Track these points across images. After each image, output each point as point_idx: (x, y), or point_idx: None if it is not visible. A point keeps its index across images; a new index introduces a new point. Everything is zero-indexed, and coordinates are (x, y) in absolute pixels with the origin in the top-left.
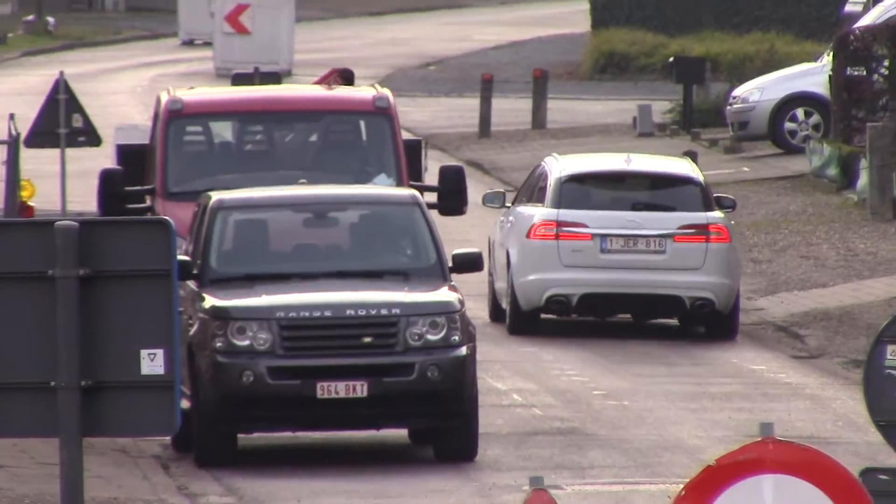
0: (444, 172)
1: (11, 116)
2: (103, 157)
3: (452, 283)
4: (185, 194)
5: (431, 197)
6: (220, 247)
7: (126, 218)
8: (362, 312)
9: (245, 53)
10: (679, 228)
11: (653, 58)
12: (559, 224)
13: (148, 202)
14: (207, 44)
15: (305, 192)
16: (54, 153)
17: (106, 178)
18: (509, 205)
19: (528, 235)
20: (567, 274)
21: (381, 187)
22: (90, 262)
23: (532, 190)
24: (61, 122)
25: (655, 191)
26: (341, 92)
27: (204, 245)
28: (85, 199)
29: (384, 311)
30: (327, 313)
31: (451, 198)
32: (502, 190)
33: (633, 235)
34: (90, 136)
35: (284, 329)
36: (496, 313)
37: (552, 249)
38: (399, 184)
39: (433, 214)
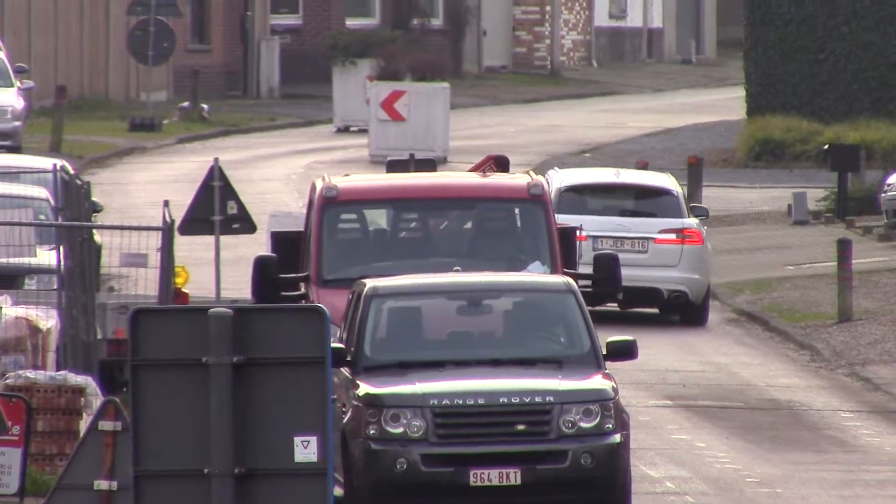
0: (598, 259)
1: (166, 203)
2: (258, 245)
3: (606, 370)
4: (339, 281)
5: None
6: (373, 334)
7: (280, 305)
8: (515, 400)
9: (400, 140)
10: (659, 232)
11: (808, 145)
12: None
13: (302, 289)
14: (363, 131)
15: (459, 280)
16: (208, 240)
17: (260, 265)
18: None
19: None
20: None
21: (535, 274)
22: (244, 349)
23: None
24: (216, 209)
25: (639, 200)
26: (496, 179)
27: (358, 332)
28: (239, 287)
29: (538, 399)
30: (481, 401)
31: (605, 284)
32: None
33: (621, 237)
34: (244, 223)
35: (438, 416)
36: None
37: None
38: (553, 271)
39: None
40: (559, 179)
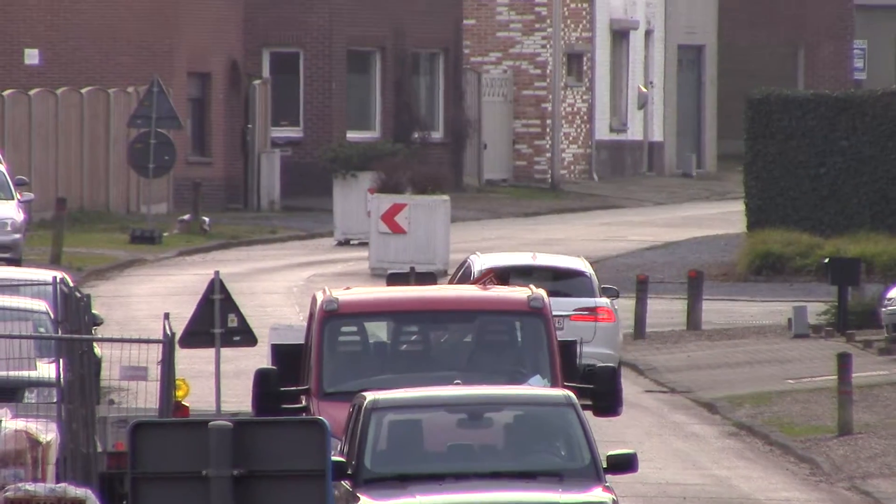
0: (599, 373)
1: (166, 316)
2: (259, 357)
3: (607, 483)
4: (339, 394)
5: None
6: (374, 447)
7: (281, 418)
8: None
9: (401, 253)
10: (574, 310)
11: (808, 259)
12: None
13: (303, 402)
14: (363, 243)
15: (459, 393)
16: (209, 353)
17: (261, 377)
18: None
19: None
20: None
21: (536, 388)
22: (244, 461)
23: (459, 282)
24: (216, 321)
25: (556, 281)
26: (496, 292)
27: (358, 445)
28: (240, 399)
29: None
30: None
31: (606, 399)
32: None
33: None
34: (245, 336)
35: None
36: None
37: None
38: (553, 384)
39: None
40: (480, 263)
